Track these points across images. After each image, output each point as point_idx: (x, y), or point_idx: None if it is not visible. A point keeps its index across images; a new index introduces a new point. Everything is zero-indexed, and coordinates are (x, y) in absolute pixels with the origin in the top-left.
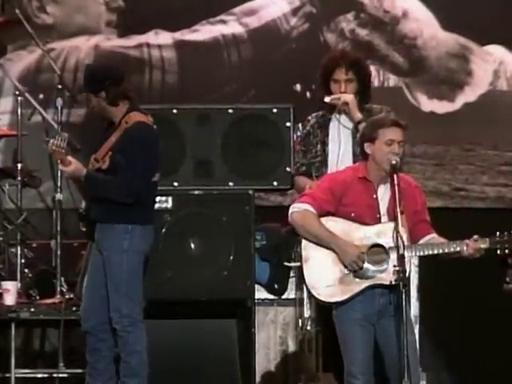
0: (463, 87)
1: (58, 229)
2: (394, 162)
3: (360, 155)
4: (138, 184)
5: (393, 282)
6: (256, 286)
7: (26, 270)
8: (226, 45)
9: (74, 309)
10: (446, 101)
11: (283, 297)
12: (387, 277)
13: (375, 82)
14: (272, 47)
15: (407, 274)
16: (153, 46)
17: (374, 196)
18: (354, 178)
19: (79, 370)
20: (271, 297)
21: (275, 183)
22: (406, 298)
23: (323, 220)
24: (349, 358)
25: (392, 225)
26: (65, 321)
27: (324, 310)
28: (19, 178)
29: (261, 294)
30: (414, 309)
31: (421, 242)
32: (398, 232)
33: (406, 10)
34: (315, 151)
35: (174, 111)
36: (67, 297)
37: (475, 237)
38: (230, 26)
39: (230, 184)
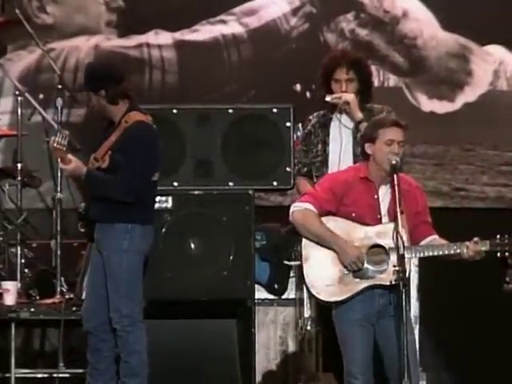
0: (463, 87)
1: (58, 229)
2: (394, 162)
3: (360, 155)
4: (138, 183)
5: (393, 282)
6: (256, 285)
7: (26, 270)
8: (225, 45)
9: (74, 309)
10: (446, 101)
11: (283, 297)
12: (387, 277)
13: (375, 82)
14: (272, 47)
15: (407, 275)
16: (153, 45)
17: (375, 196)
18: (356, 178)
19: (79, 370)
20: (271, 297)
21: (275, 183)
22: (406, 298)
23: (324, 219)
24: (348, 358)
25: (392, 225)
26: (65, 321)
27: (324, 310)
28: (19, 178)
29: (261, 293)
30: (414, 309)
31: (421, 243)
32: (397, 232)
33: (406, 10)
34: (316, 151)
35: (174, 111)
36: (67, 297)
37: (475, 239)
38: (230, 26)
39: (230, 184)
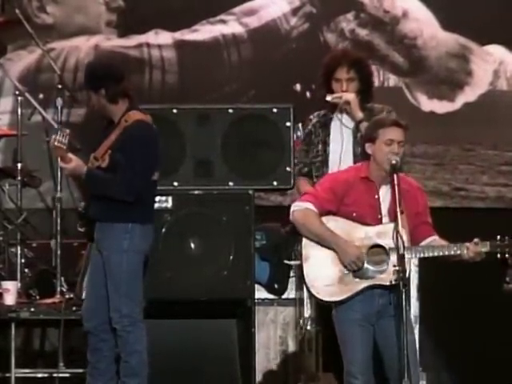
0: (463, 87)
1: (58, 228)
2: (393, 161)
3: (360, 155)
4: (138, 182)
5: (393, 282)
6: (256, 285)
7: (26, 270)
8: (225, 45)
9: (74, 308)
10: (446, 101)
11: (283, 297)
12: (387, 277)
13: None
14: (272, 47)
15: (407, 275)
16: (153, 45)
17: (376, 196)
18: (357, 178)
19: (79, 370)
20: (271, 296)
21: (275, 183)
22: (406, 297)
23: (324, 219)
24: (348, 358)
25: (393, 226)
26: (65, 320)
27: (324, 310)
28: (19, 178)
29: (261, 293)
30: (414, 309)
31: (422, 244)
32: (397, 232)
33: (406, 10)
34: (316, 151)
35: (174, 111)
36: (67, 296)
37: (476, 240)
38: (229, 26)
39: (230, 184)
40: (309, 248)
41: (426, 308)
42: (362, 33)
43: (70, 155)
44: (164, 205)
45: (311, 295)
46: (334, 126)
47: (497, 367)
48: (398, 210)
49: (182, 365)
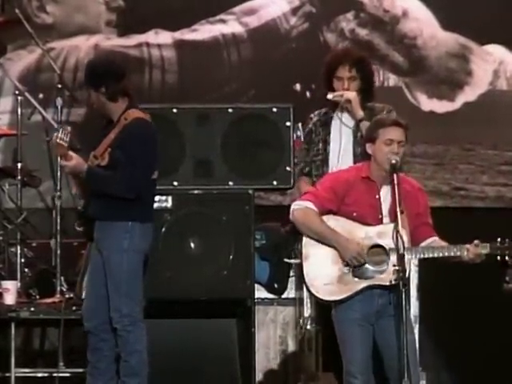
0: (463, 87)
1: (58, 228)
2: (393, 161)
3: (360, 155)
4: (138, 179)
5: (392, 282)
6: (256, 285)
7: (26, 270)
8: (225, 44)
9: (74, 308)
10: (445, 100)
11: (283, 296)
12: (386, 277)
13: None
14: (272, 47)
15: (407, 275)
16: (152, 45)
17: (377, 196)
18: (357, 178)
19: (79, 370)
20: (271, 296)
21: (275, 183)
22: (406, 297)
23: (325, 218)
24: (348, 358)
25: (393, 226)
26: (65, 320)
27: (324, 310)
28: (19, 178)
29: (261, 293)
30: (414, 308)
31: (422, 244)
32: (397, 232)
33: (406, 10)
34: (317, 149)
35: (174, 111)
36: (67, 296)
37: (476, 242)
38: (229, 26)
39: (230, 183)
40: (309, 247)
41: (425, 308)
42: (362, 32)
43: (71, 153)
44: (164, 204)
45: (311, 294)
46: (335, 124)
47: (497, 367)
48: (398, 209)
49: (182, 364)
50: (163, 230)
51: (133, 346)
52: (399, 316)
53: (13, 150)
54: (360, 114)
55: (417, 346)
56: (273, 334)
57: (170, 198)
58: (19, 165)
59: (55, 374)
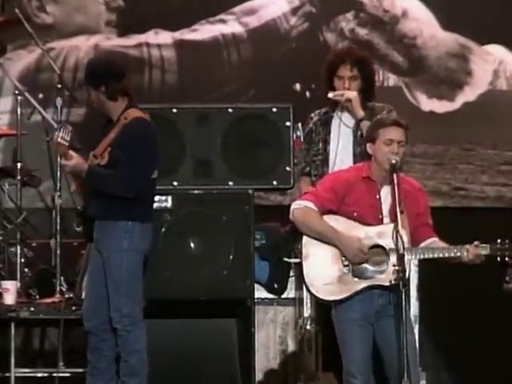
0: (463, 87)
1: (58, 228)
2: (393, 161)
3: (360, 155)
4: (138, 178)
5: (392, 282)
6: (256, 285)
7: (26, 270)
8: (225, 44)
9: (74, 308)
10: (445, 100)
11: (283, 296)
12: (386, 278)
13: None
14: (272, 47)
15: (407, 275)
16: (152, 45)
17: (377, 196)
18: (358, 178)
19: (79, 370)
20: (271, 296)
21: (275, 182)
22: (406, 297)
23: (325, 218)
24: (347, 358)
25: (393, 226)
26: (64, 320)
27: (324, 310)
28: (19, 178)
29: (260, 293)
30: (414, 308)
31: (421, 245)
32: (397, 231)
33: (406, 10)
34: (317, 149)
35: (174, 111)
36: (67, 296)
37: (476, 243)
38: (229, 26)
39: (230, 183)
40: (309, 246)
41: (425, 308)
42: (362, 32)
43: (72, 152)
44: (164, 204)
45: (311, 294)
46: (335, 124)
47: (497, 367)
48: (398, 209)
49: (182, 364)
50: (163, 229)
51: (133, 346)
52: (399, 316)
53: (12, 150)
54: (360, 113)
55: (417, 346)
56: (273, 333)
57: (169, 198)
58: (19, 165)
59: (55, 374)
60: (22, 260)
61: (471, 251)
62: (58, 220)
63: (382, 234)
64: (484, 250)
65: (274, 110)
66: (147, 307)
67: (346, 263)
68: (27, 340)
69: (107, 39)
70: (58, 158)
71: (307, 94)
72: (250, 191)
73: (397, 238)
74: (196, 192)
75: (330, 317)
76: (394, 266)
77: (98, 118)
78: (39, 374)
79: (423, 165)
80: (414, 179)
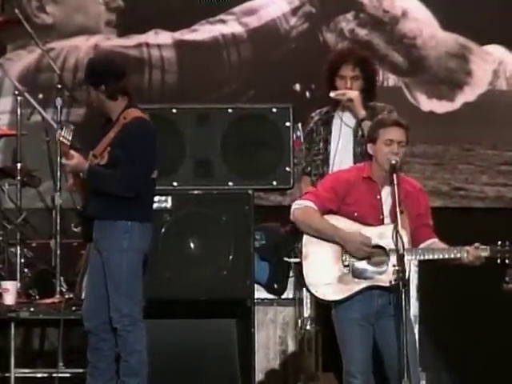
0: (463, 87)
1: (58, 228)
2: (393, 161)
3: (361, 155)
4: (138, 178)
5: (392, 283)
6: (255, 285)
7: (26, 270)
8: (225, 44)
9: (74, 308)
10: (445, 100)
11: (283, 296)
12: (386, 278)
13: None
14: (271, 47)
15: (407, 275)
16: (152, 45)
17: (378, 197)
18: (358, 178)
19: (79, 370)
20: (271, 296)
21: (275, 183)
22: (406, 297)
23: (326, 217)
24: (347, 358)
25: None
26: (64, 320)
27: (323, 310)
28: (19, 178)
29: (260, 293)
30: (414, 308)
31: (421, 246)
32: (397, 232)
33: (406, 10)
34: (318, 149)
35: (174, 111)
36: (67, 296)
37: (476, 244)
38: (229, 26)
39: (230, 184)
40: (309, 246)
41: (425, 308)
42: (362, 32)
43: (72, 152)
44: (163, 205)
45: (310, 294)
46: (335, 124)
47: (497, 367)
48: (398, 209)
49: (182, 365)
50: (163, 230)
51: (133, 346)
52: (399, 316)
53: (12, 150)
54: (362, 113)
55: (417, 346)
56: (272, 334)
57: (169, 198)
58: (19, 165)
59: (55, 375)
60: (22, 260)
61: (471, 253)
62: (58, 220)
63: (383, 234)
64: (484, 251)
65: (274, 110)
66: (147, 307)
67: (347, 263)
68: (27, 340)
69: (107, 39)
70: (58, 158)
71: (307, 94)
72: (250, 191)
73: (397, 238)
74: (196, 192)
75: (330, 317)
76: (394, 266)
77: (97, 117)
78: (39, 375)
79: (423, 165)
80: (414, 179)
